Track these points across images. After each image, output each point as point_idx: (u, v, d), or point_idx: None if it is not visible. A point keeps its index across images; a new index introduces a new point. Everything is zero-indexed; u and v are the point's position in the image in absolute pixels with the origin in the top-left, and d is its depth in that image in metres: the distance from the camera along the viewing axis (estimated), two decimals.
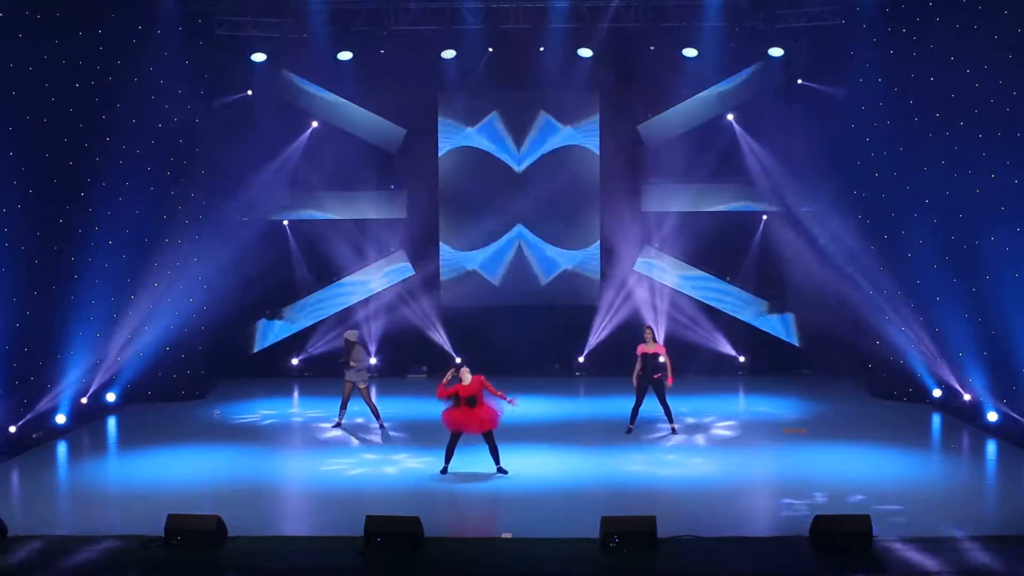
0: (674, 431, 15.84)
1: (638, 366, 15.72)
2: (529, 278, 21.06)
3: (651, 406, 15.71)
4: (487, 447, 13.49)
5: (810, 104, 19.91)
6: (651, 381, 15.70)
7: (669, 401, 15.80)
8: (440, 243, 21.11)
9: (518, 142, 20.88)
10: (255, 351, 21.00)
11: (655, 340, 16.02)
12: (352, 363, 16.16)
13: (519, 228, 21.02)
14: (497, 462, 13.53)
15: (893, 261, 18.02)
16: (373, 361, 19.43)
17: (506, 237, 21.02)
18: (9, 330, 15.55)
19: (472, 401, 13.36)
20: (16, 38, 15.47)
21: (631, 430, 15.86)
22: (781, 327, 20.95)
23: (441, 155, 20.96)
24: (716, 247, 20.83)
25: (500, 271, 21.09)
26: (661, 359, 15.77)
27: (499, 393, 13.68)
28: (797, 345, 20.91)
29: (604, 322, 20.85)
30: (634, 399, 15.81)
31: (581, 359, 20.96)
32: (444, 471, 13.54)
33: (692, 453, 14.88)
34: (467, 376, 13.42)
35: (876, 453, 14.76)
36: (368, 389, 16.42)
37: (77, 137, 16.96)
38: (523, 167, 20.93)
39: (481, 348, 20.69)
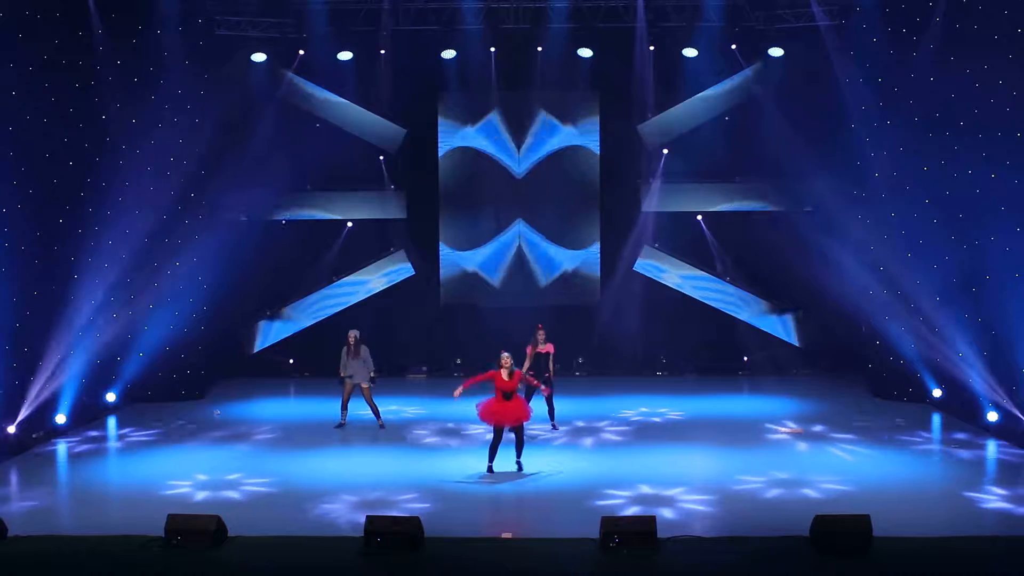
0: (554, 427, 16.12)
1: (527, 364, 15.80)
2: (529, 278, 21.07)
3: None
4: (514, 440, 13.68)
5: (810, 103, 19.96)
6: (542, 380, 15.73)
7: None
8: (440, 243, 21.11)
9: (518, 142, 20.88)
10: (255, 351, 20.96)
11: (545, 340, 16.13)
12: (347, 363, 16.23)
13: (519, 228, 21.03)
14: (519, 456, 13.70)
15: (893, 261, 18.01)
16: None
17: (506, 237, 21.02)
18: (9, 330, 15.55)
19: (508, 396, 13.50)
20: (16, 38, 15.48)
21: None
22: (781, 327, 20.92)
23: (441, 155, 20.96)
24: (715, 247, 20.83)
25: (500, 271, 21.10)
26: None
27: (534, 382, 14.57)
28: (797, 345, 20.89)
29: (604, 322, 20.85)
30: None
31: (581, 359, 20.95)
32: (490, 471, 13.56)
33: (692, 453, 14.88)
34: (506, 371, 13.52)
35: (876, 453, 14.77)
36: (370, 389, 16.42)
37: (77, 137, 16.96)
38: (523, 167, 20.93)
39: (481, 348, 20.71)
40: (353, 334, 16.53)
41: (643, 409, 17.75)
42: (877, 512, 10.67)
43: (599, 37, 19.93)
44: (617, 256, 20.97)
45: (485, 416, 13.59)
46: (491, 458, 13.62)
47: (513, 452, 13.72)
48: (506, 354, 13.71)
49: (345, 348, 16.39)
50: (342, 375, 16.47)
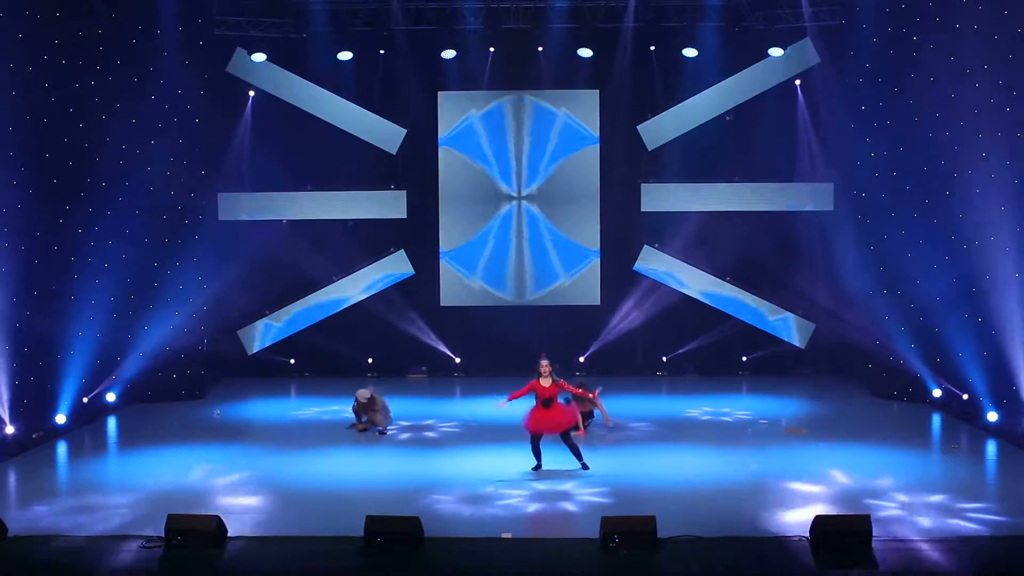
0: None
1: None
2: (529, 277, 21.05)
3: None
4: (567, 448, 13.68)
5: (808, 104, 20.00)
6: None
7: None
8: (440, 243, 21.10)
9: (518, 142, 20.87)
10: (255, 351, 20.95)
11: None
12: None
13: (519, 227, 21.02)
14: (580, 459, 13.69)
15: (893, 261, 18.01)
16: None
17: (506, 236, 21.01)
18: (9, 330, 15.55)
19: (548, 403, 13.51)
20: (16, 38, 15.48)
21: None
22: (782, 327, 20.90)
23: (441, 155, 20.96)
24: (716, 247, 20.82)
25: (500, 271, 21.08)
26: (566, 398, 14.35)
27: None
28: (798, 345, 20.88)
29: (604, 322, 20.86)
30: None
31: (581, 359, 20.94)
32: (538, 467, 13.64)
33: (692, 453, 14.88)
34: (546, 379, 13.50)
35: (876, 453, 14.77)
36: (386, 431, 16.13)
37: (77, 137, 16.97)
38: (523, 167, 20.92)
39: (480, 348, 20.74)
40: (363, 395, 16.03)
41: (635, 407, 17.74)
42: (877, 512, 10.67)
43: (599, 37, 19.93)
44: (617, 256, 20.95)
45: (527, 424, 13.68)
46: (536, 457, 13.68)
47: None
48: (545, 361, 13.57)
49: (354, 405, 16.11)
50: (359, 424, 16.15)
